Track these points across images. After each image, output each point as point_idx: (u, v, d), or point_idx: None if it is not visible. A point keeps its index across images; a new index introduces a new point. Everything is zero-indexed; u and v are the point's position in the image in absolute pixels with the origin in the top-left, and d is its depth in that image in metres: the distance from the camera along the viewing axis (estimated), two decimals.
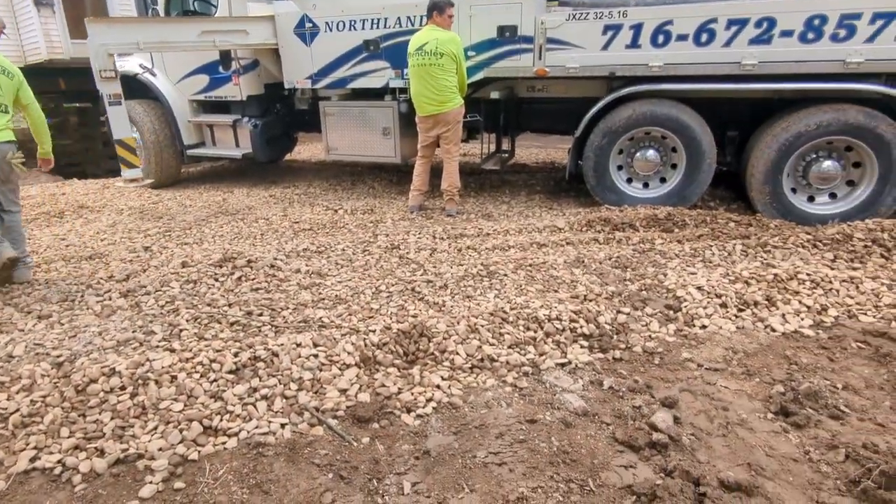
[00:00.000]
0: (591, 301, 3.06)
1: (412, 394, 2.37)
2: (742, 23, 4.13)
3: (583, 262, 3.70)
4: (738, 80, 4.30)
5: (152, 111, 6.77)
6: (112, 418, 2.20)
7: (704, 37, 4.25)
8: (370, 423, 2.22)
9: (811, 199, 4.47)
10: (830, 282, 3.17)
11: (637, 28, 4.39)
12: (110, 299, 3.34)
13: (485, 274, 3.55)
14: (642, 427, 2.12)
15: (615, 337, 2.76)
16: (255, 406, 2.28)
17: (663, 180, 4.90)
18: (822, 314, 2.94)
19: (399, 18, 5.20)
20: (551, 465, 1.96)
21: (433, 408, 2.30)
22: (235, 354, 2.58)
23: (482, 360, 2.59)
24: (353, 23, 5.45)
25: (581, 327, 2.80)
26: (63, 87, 10.88)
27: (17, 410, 2.25)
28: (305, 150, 9.97)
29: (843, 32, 3.93)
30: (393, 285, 3.43)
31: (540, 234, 4.39)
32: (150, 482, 1.90)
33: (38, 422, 2.20)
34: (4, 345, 2.80)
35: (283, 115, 6.79)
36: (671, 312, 2.98)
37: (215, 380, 2.42)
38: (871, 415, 2.17)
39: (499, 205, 5.45)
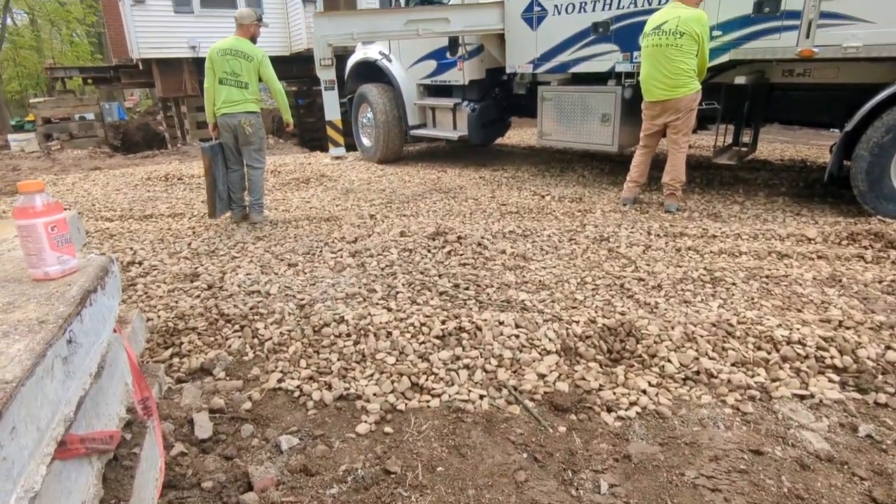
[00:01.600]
0: (848, 329, 2.52)
1: (614, 393, 2.24)
2: None
3: (840, 281, 3.07)
4: None
5: (385, 94, 7.51)
6: (339, 359, 2.50)
7: None
8: (567, 413, 2.15)
9: None
10: None
11: None
12: (342, 257, 3.79)
13: (707, 279, 3.18)
14: None
15: (880, 377, 2.23)
16: (457, 373, 2.37)
17: None
18: None
19: None
20: None
21: (637, 412, 2.13)
22: (443, 322, 2.73)
23: (698, 372, 2.32)
24: (583, 4, 5.29)
25: (832, 358, 2.33)
26: (316, 72, 12.77)
27: (270, 338, 2.69)
28: (515, 135, 10.13)
29: None
30: (600, 278, 3.28)
31: (782, 242, 3.78)
32: (365, 421, 2.10)
33: (284, 350, 2.60)
34: (264, 283, 3.37)
35: (500, 100, 6.96)
36: None
37: (424, 342, 2.59)
38: None
39: (729, 204, 4.83)
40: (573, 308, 2.92)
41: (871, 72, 4.10)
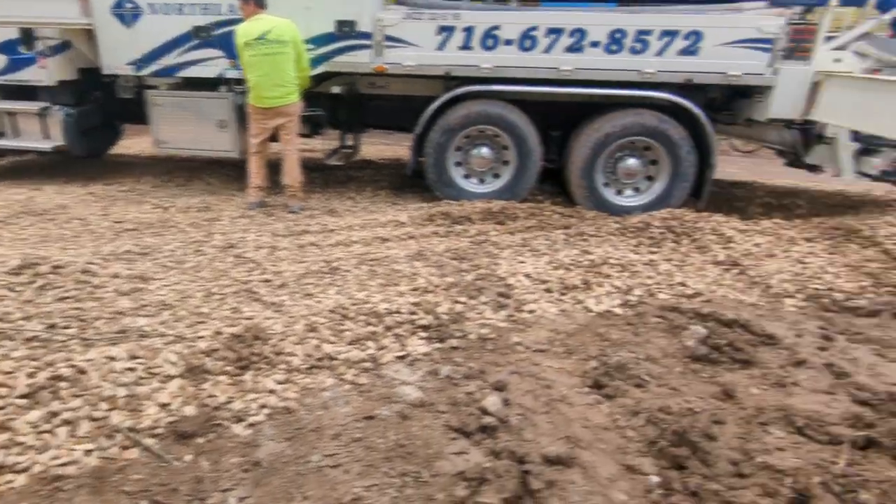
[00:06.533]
0: (430, 293, 3.16)
1: (244, 402, 2.26)
2: (558, 32, 4.54)
3: (423, 255, 3.80)
4: (557, 85, 4.70)
5: None
6: None
7: (528, 42, 4.60)
8: (194, 437, 2.06)
9: (619, 192, 5.03)
10: (634, 265, 3.61)
11: (469, 31, 4.61)
12: None
13: (327, 271, 3.50)
14: (474, 412, 2.14)
15: (452, 326, 2.84)
16: (52, 433, 2.00)
17: (497, 176, 5.18)
18: (628, 294, 3.23)
19: (232, 5, 4.86)
20: (387, 460, 1.94)
21: (266, 414, 2.20)
22: (30, 375, 2.24)
23: (321, 359, 2.54)
24: (180, 6, 4.99)
25: (420, 319, 2.86)
26: None
27: None
28: (135, 143, 8.92)
29: (638, 46, 4.49)
30: (227, 287, 3.23)
31: (383, 228, 4.42)
32: None
33: None
34: None
35: (104, 104, 6.01)
36: (503, 299, 3.15)
37: (2, 407, 2.08)
38: (667, 381, 2.36)
39: (344, 200, 5.38)
40: (199, 323, 2.80)
41: (428, 86, 5.11)
